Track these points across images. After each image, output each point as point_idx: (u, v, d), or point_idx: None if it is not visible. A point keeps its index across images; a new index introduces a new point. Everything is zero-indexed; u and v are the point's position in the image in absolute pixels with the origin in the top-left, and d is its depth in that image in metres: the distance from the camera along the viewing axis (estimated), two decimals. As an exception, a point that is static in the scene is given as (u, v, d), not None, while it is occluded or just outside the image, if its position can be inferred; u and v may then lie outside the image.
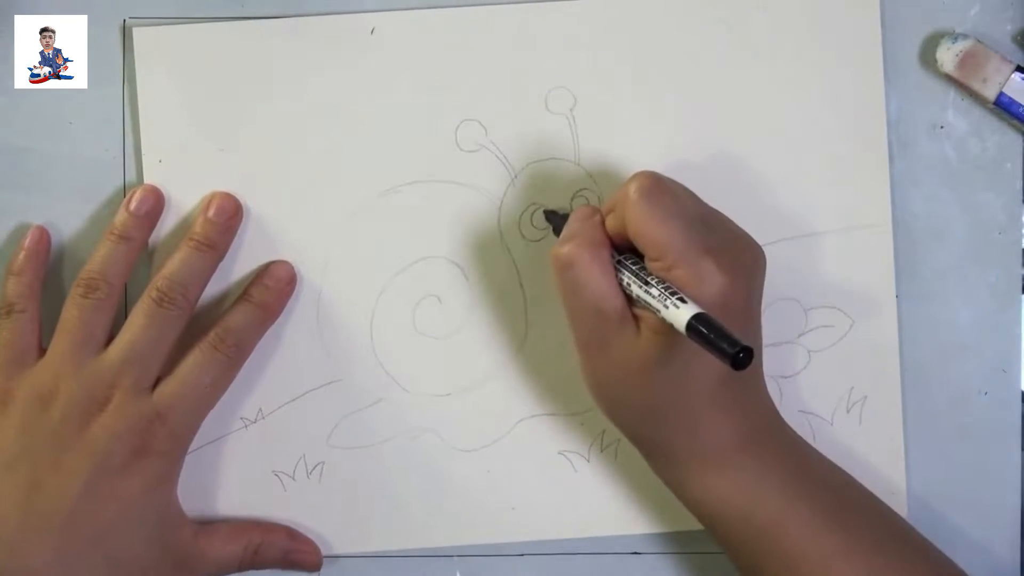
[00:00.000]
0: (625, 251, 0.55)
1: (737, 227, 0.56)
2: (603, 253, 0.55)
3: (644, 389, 0.54)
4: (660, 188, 0.54)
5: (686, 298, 0.51)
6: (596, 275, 0.54)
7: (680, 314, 0.50)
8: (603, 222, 0.56)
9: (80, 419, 0.57)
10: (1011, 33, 0.61)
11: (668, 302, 0.51)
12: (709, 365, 0.52)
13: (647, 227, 0.53)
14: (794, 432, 0.58)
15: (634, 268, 0.54)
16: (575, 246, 0.54)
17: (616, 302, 0.54)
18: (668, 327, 0.51)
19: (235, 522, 0.61)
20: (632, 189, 0.54)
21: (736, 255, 0.54)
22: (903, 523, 0.57)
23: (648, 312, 0.53)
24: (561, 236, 0.56)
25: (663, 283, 0.52)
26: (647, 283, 0.53)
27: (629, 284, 0.54)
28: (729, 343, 0.48)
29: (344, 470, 0.62)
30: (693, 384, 0.54)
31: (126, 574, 0.57)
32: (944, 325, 0.62)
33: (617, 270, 0.55)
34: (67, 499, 0.56)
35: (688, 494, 0.56)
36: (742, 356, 0.48)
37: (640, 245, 0.54)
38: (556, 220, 0.60)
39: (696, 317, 0.50)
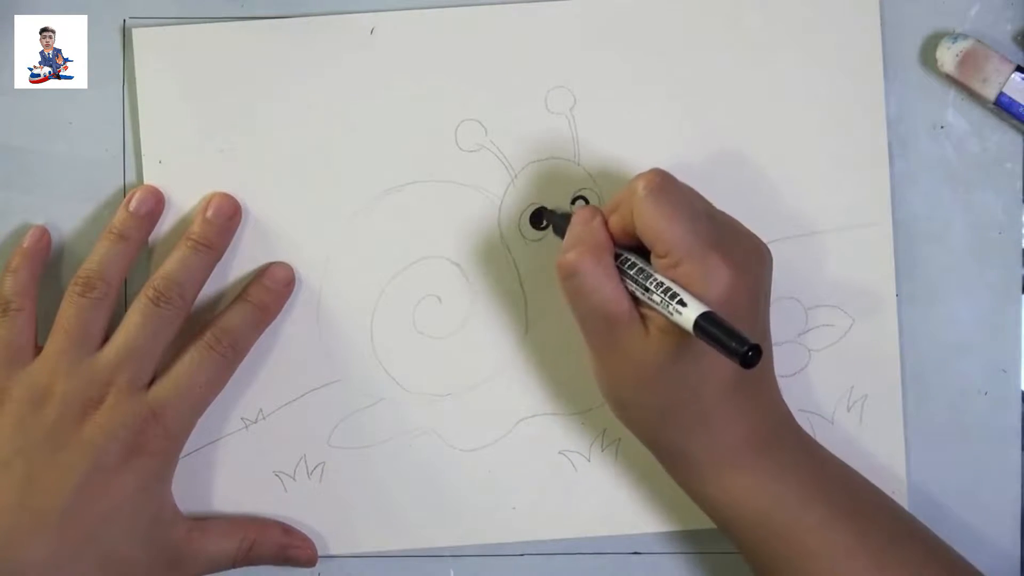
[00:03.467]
0: (629, 249, 0.55)
1: (742, 225, 0.56)
2: (606, 257, 0.55)
3: (656, 390, 0.54)
4: (668, 185, 0.54)
5: (691, 298, 0.51)
6: (601, 280, 0.54)
7: (687, 313, 0.50)
8: (605, 223, 0.56)
9: (75, 417, 0.56)
10: (1011, 33, 0.62)
11: (674, 302, 0.51)
12: (719, 364, 0.52)
13: (655, 223, 0.53)
14: (804, 431, 0.58)
15: (640, 266, 0.54)
16: (578, 253, 0.54)
17: (623, 305, 0.54)
18: (676, 327, 0.51)
19: (229, 518, 0.61)
20: (640, 186, 0.54)
21: (742, 251, 0.54)
22: (915, 521, 0.57)
23: (655, 312, 0.53)
24: (564, 242, 0.56)
25: (667, 283, 0.52)
26: (650, 285, 0.53)
27: (635, 287, 0.54)
28: (738, 341, 0.48)
29: (344, 470, 0.62)
30: (705, 383, 0.54)
31: (120, 571, 0.57)
32: (944, 325, 0.62)
33: (621, 272, 0.54)
34: (62, 497, 0.56)
35: (704, 495, 0.56)
36: (751, 354, 0.48)
37: (647, 241, 0.54)
38: (555, 219, 0.60)
39: (703, 316, 0.49)
